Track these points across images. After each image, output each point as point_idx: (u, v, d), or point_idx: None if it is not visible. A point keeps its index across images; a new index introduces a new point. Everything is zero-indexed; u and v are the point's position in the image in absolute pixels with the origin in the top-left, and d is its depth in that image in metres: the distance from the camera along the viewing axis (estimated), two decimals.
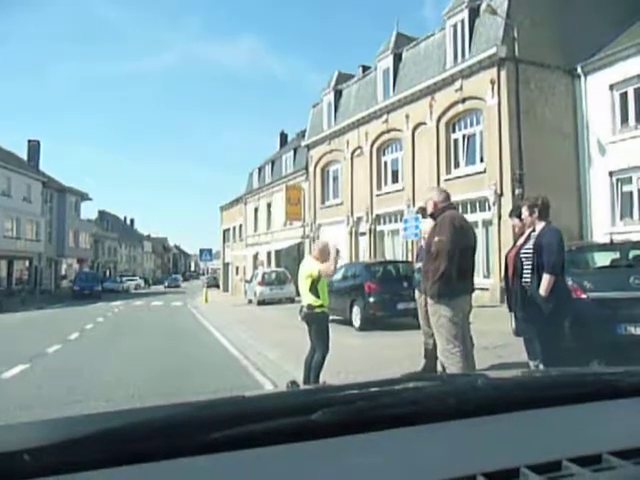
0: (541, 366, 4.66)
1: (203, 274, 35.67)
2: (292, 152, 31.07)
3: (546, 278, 4.53)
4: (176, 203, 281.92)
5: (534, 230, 4.88)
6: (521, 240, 5.16)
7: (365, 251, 21.72)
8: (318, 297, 5.57)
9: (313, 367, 5.54)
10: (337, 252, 5.68)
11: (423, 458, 0.84)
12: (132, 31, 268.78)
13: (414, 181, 19.10)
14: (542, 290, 4.53)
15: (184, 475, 0.77)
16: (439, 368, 5.70)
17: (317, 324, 5.63)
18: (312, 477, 0.78)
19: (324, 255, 5.71)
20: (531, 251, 4.75)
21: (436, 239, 4.44)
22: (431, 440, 0.90)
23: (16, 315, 21.08)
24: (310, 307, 5.59)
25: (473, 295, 4.74)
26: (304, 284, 5.65)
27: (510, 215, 5.92)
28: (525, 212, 4.94)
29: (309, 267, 5.70)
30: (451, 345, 4.28)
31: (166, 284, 64.35)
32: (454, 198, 18.27)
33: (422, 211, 6.46)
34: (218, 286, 28.10)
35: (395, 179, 20.92)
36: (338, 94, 25.08)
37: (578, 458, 0.80)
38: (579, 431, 0.95)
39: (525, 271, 4.83)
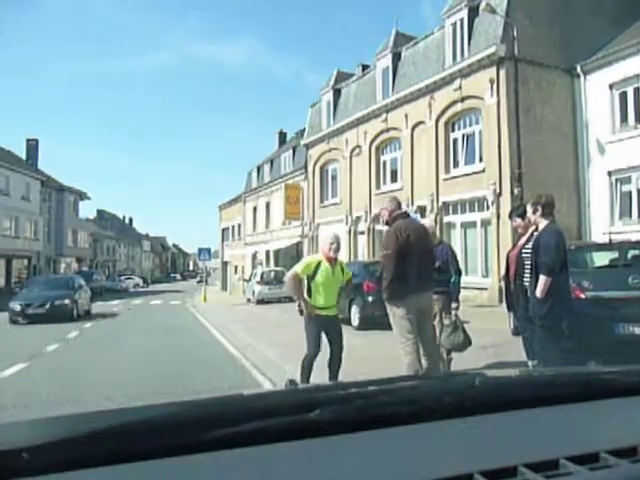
0: (540, 365, 4.65)
1: (202, 273, 36.46)
2: (291, 151, 31.08)
3: (542, 279, 4.46)
4: (175, 202, 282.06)
5: (537, 229, 4.85)
6: (523, 239, 5.15)
7: (364, 250, 21.72)
8: (310, 297, 5.25)
9: (302, 366, 5.22)
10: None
11: (421, 456, 0.84)
12: (130, 30, 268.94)
13: (413, 180, 19.08)
14: (538, 291, 4.48)
15: (183, 473, 0.77)
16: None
17: (306, 324, 5.28)
18: (311, 475, 0.79)
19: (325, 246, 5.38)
20: (531, 250, 4.73)
21: (382, 252, 4.94)
22: (429, 439, 0.91)
23: None
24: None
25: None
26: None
27: (510, 216, 5.88)
28: (529, 210, 4.90)
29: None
30: (404, 339, 4.72)
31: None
32: (453, 197, 18.13)
33: (376, 219, 6.83)
34: (206, 282, 30.11)
35: (394, 178, 20.90)
36: (337, 93, 25.06)
37: (575, 457, 0.81)
38: (577, 430, 0.96)
39: (525, 271, 4.82)
